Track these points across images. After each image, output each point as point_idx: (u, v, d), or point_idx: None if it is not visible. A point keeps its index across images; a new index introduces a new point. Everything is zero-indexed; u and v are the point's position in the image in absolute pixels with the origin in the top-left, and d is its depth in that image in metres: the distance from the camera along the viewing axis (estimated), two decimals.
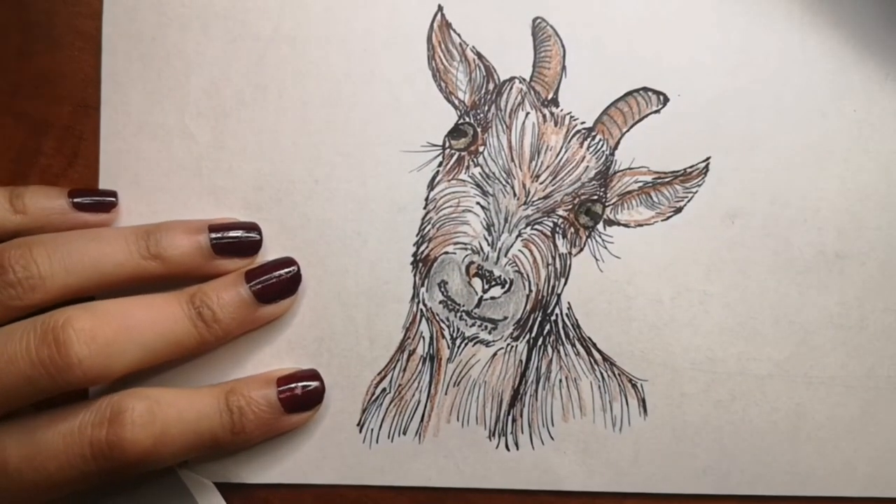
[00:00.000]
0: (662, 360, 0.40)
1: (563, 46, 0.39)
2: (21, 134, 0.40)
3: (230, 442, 0.37)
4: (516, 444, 0.40)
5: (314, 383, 0.39)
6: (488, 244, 0.39)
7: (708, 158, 0.40)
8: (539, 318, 0.40)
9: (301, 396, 0.38)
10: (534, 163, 0.39)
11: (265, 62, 0.39)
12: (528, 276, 0.39)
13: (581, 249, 0.40)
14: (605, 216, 0.40)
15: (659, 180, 0.40)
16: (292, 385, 0.38)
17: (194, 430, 0.36)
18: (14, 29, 0.40)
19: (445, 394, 0.40)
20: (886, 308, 0.40)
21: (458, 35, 0.39)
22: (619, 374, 0.40)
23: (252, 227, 0.39)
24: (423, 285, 0.40)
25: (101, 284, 0.36)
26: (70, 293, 0.35)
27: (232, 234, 0.38)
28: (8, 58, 0.40)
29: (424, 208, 0.40)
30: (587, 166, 0.40)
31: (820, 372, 0.40)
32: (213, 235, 0.38)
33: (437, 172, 0.40)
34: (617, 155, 0.40)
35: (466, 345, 0.40)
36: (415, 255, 0.40)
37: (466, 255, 0.39)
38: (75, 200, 0.38)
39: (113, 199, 0.39)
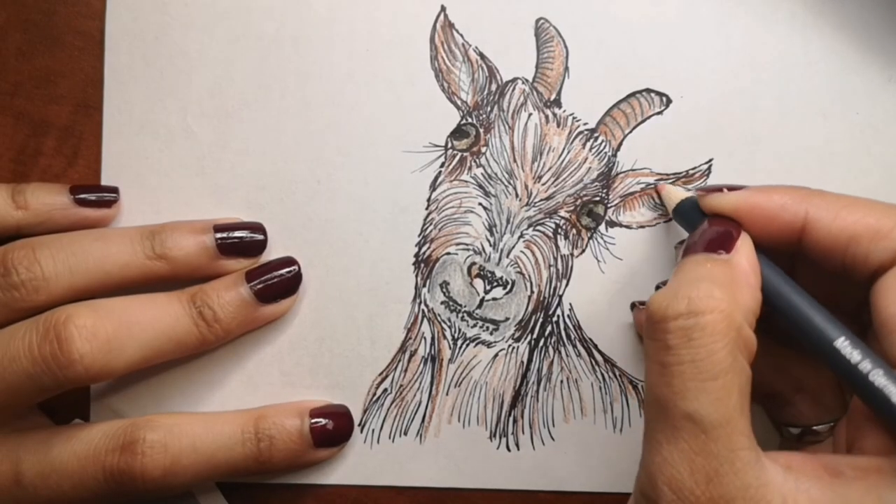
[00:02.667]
0: None
1: (565, 47, 0.39)
2: (21, 134, 0.40)
3: (253, 470, 0.37)
4: (517, 445, 0.40)
5: (345, 420, 0.39)
6: (490, 245, 0.39)
7: (710, 160, 0.40)
8: (540, 320, 0.40)
9: (332, 431, 0.38)
10: (536, 164, 0.39)
11: (268, 62, 0.39)
12: (529, 277, 0.39)
13: (583, 251, 0.40)
14: (606, 217, 0.40)
15: (661, 182, 0.40)
16: (324, 419, 0.38)
17: (208, 460, 0.36)
18: (14, 29, 0.40)
19: (447, 394, 0.40)
20: None
21: (461, 36, 0.39)
22: (619, 376, 0.40)
23: (257, 227, 0.39)
24: (424, 286, 0.40)
25: (105, 285, 0.36)
26: (74, 294, 0.35)
27: (237, 234, 0.38)
28: (8, 58, 0.40)
29: (426, 209, 0.40)
30: (589, 167, 0.40)
31: None
32: (219, 236, 0.38)
33: (440, 173, 0.40)
34: (619, 156, 0.40)
35: (468, 345, 0.40)
36: (417, 255, 0.40)
37: (468, 256, 0.39)
38: (77, 196, 0.38)
39: (114, 195, 0.39)
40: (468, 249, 0.39)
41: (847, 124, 0.40)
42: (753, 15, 0.40)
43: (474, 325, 0.40)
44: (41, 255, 0.35)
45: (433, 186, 0.40)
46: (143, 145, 0.39)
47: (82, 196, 0.38)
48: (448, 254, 0.40)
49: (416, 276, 0.40)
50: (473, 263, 0.39)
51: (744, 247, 0.31)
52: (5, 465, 0.35)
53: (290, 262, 0.39)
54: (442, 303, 0.40)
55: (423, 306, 0.40)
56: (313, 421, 0.38)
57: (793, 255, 0.34)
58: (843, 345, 0.29)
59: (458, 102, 0.40)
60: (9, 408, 0.35)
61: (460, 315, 0.40)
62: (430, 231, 0.40)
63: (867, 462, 0.28)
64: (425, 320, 0.40)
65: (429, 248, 0.40)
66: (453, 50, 0.39)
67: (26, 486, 0.34)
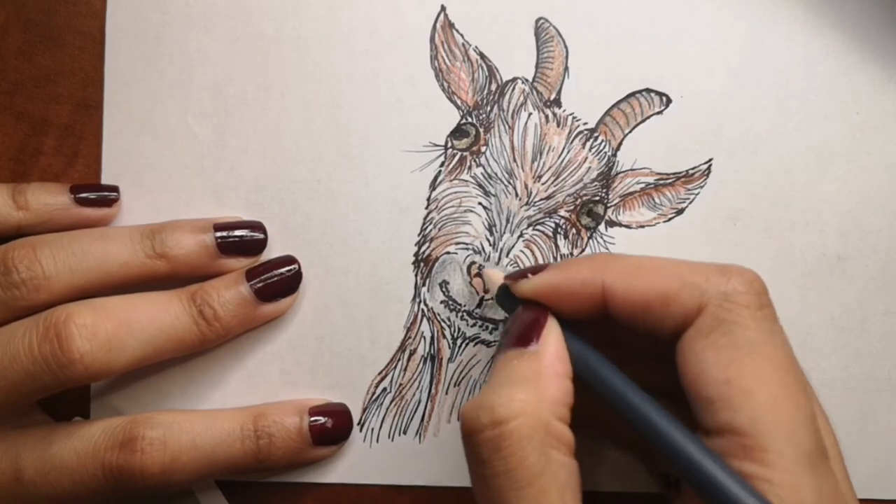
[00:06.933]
0: None
1: (565, 47, 0.39)
2: (21, 133, 0.40)
3: (252, 468, 0.37)
4: None
5: (344, 418, 0.39)
6: (490, 244, 0.39)
7: (710, 160, 0.40)
8: None
9: (331, 430, 0.38)
10: (536, 163, 0.39)
11: (268, 62, 0.39)
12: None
13: (582, 250, 0.40)
14: (606, 217, 0.40)
15: (661, 182, 0.40)
16: (323, 417, 0.38)
17: (208, 457, 0.36)
18: (14, 28, 0.40)
19: (446, 394, 0.40)
20: (888, 310, 0.40)
21: (461, 35, 0.39)
22: None
23: (257, 226, 0.39)
24: (424, 285, 0.40)
25: (106, 284, 0.36)
26: (75, 293, 0.35)
27: (237, 233, 0.38)
28: (8, 57, 0.40)
29: (426, 208, 0.40)
30: (589, 167, 0.40)
31: (821, 374, 0.40)
32: (219, 234, 0.38)
33: (440, 172, 0.40)
34: (619, 156, 0.40)
35: (467, 345, 0.40)
36: (416, 254, 0.40)
37: (468, 256, 0.39)
38: (77, 196, 0.38)
39: (115, 194, 0.39)
40: (468, 249, 0.39)
41: (847, 124, 0.40)
42: (753, 15, 0.40)
43: (474, 325, 0.40)
44: (42, 254, 0.35)
45: (433, 186, 0.40)
46: (143, 145, 0.39)
47: (83, 195, 0.38)
48: (448, 253, 0.40)
49: (416, 275, 0.40)
50: (473, 263, 0.39)
51: (551, 334, 0.31)
52: (5, 462, 0.35)
53: (290, 260, 0.39)
54: (441, 302, 0.40)
55: (422, 306, 0.40)
56: (312, 419, 0.38)
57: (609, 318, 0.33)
58: (657, 421, 0.29)
59: (458, 102, 0.40)
60: (9, 406, 0.35)
61: (460, 314, 0.40)
62: (430, 230, 0.40)
63: None
64: (425, 319, 0.40)
65: (428, 247, 0.40)
66: (453, 49, 0.39)
67: (26, 484, 0.35)
